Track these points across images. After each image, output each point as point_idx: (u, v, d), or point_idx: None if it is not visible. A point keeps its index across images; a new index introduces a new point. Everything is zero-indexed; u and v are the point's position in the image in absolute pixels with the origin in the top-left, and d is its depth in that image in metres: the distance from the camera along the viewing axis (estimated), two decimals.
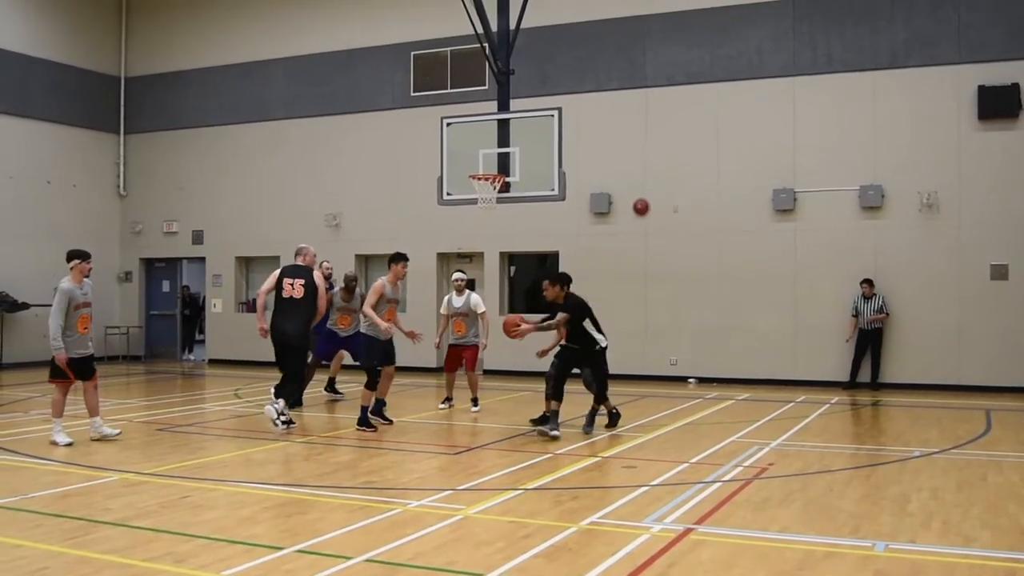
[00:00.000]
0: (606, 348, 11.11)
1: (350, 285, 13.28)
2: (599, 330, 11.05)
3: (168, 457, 9.52)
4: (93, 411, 10.52)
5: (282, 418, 11.07)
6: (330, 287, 13.62)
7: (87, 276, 10.41)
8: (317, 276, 11.48)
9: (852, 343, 16.19)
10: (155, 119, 22.86)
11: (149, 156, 22.95)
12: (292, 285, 11.21)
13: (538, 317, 11.46)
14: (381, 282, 11.43)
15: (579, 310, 10.94)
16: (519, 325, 10.79)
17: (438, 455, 9.81)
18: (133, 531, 6.46)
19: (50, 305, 10.24)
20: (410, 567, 5.66)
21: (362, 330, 11.62)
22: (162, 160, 22.76)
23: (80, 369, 10.32)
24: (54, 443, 10.07)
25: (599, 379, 11.15)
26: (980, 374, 15.57)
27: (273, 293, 11.31)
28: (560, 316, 10.85)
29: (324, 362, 13.89)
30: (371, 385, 11.29)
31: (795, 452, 9.77)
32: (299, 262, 11.50)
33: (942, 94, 15.99)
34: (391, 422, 11.82)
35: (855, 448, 10.49)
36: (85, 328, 10.29)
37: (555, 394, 10.76)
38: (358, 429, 11.17)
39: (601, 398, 11.20)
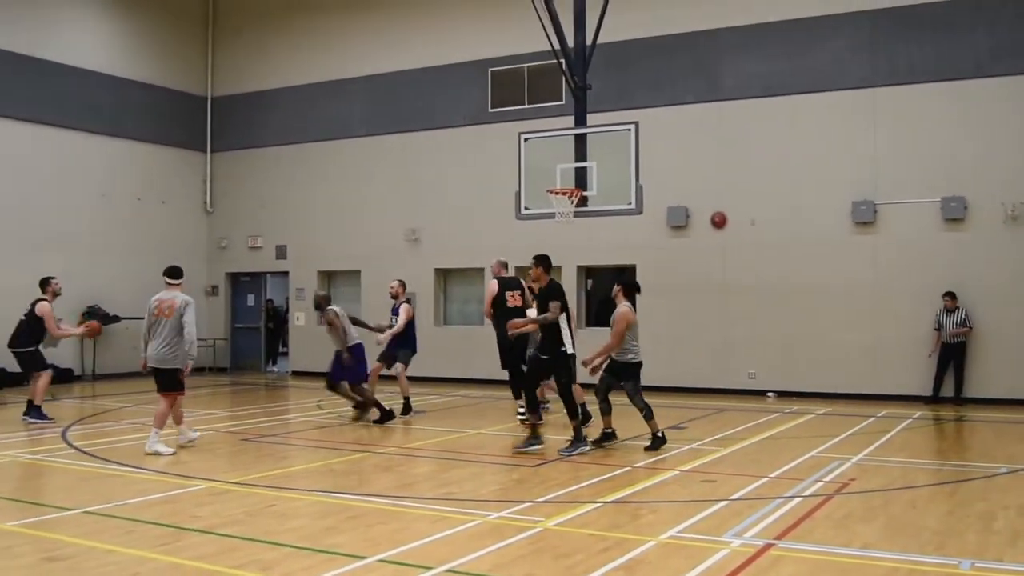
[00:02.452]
0: (573, 356, 10.71)
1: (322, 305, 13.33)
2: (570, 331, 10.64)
3: (253, 467, 9.78)
4: (177, 420, 11.11)
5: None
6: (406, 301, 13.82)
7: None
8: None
9: (935, 357, 15.86)
10: (240, 137, 23.46)
11: (234, 173, 23.56)
12: (513, 296, 12.54)
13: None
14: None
15: (563, 296, 10.42)
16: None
17: (516, 467, 9.86)
18: (220, 539, 6.65)
19: (141, 318, 10.74)
20: None
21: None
22: (247, 177, 23.34)
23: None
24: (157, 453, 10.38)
25: (531, 381, 10.85)
26: None
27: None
28: (553, 307, 10.28)
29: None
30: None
31: (877, 467, 9.63)
32: (505, 274, 12.84)
33: None
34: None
35: (939, 464, 10.29)
36: None
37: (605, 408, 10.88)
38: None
39: (533, 407, 10.87)
